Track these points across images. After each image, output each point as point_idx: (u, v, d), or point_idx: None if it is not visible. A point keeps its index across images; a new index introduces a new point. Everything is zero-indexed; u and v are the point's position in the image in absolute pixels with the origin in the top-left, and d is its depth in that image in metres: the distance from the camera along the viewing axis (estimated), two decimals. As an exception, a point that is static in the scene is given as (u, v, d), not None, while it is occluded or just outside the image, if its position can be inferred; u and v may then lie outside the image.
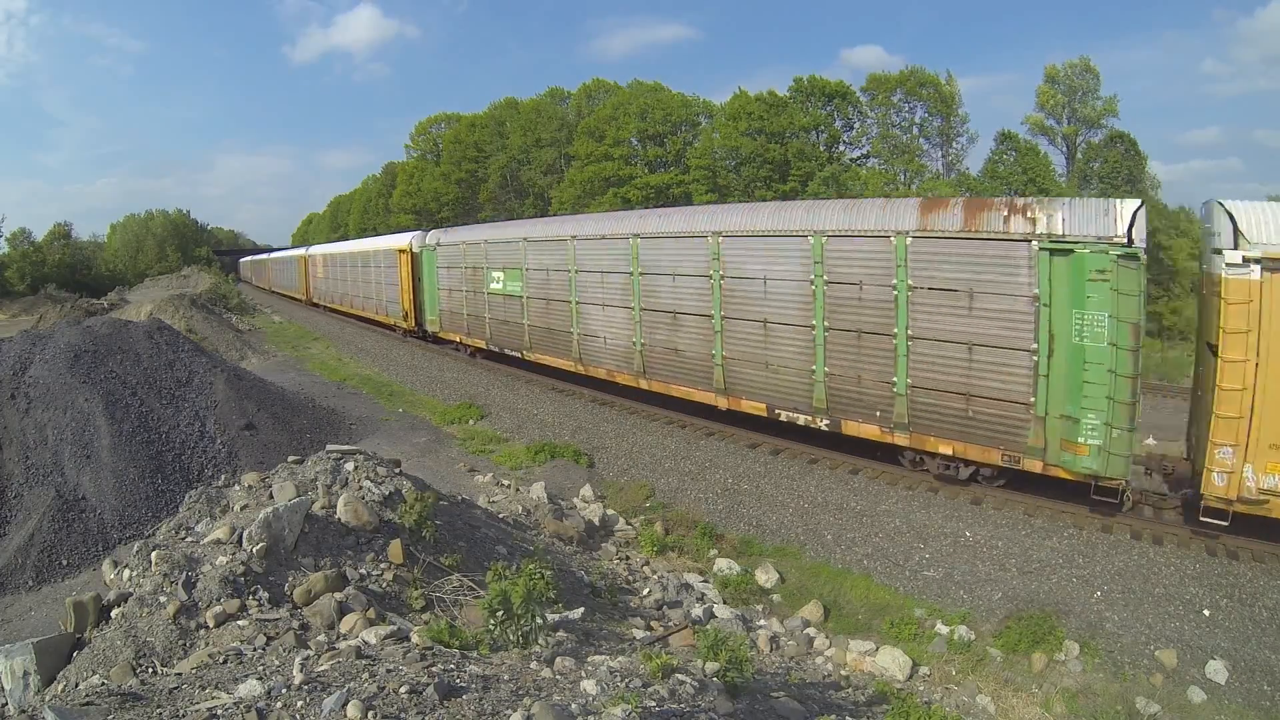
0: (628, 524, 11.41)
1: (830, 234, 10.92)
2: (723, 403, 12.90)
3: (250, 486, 7.96)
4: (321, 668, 4.47)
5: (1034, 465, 9.34)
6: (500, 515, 10.08)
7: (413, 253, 25.39)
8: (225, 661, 4.95)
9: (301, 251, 49.26)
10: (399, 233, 36.36)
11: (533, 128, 57.92)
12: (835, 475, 11.66)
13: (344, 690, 3.99)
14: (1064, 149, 44.13)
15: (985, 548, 9.33)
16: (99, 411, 12.85)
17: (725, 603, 9.10)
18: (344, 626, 5.67)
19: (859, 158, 47.31)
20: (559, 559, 8.97)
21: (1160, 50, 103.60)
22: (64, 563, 10.29)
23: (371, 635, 5.41)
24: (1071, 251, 8.63)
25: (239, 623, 5.63)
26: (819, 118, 46.15)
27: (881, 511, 10.48)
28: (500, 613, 5.40)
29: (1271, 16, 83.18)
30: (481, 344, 20.90)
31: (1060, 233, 8.73)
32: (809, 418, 11.53)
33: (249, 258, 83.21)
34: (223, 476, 10.66)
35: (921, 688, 7.52)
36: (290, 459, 8.75)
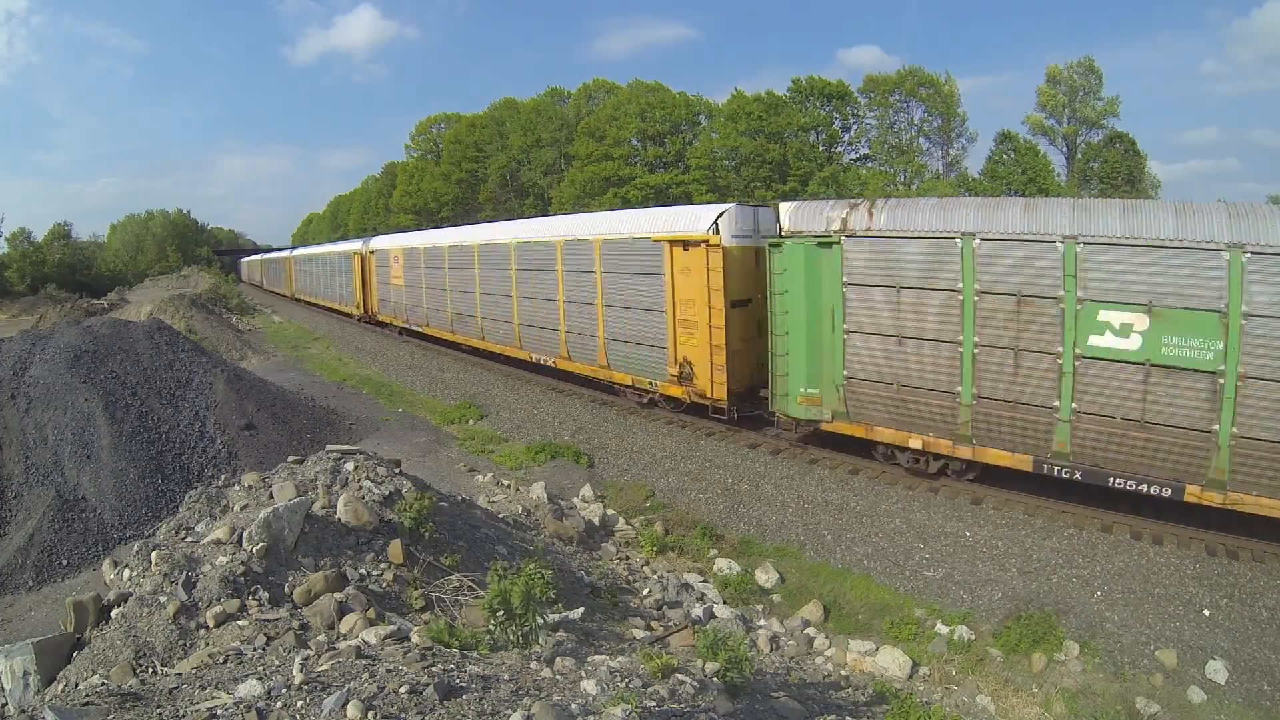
0: (628, 524, 11.41)
1: None
2: None
3: (250, 486, 7.96)
4: (321, 668, 4.47)
5: None
6: (500, 515, 10.08)
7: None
8: (225, 661, 4.95)
9: (355, 245, 33.45)
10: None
11: (532, 128, 58.01)
12: (835, 475, 11.66)
13: (344, 690, 3.99)
14: (1064, 149, 44.17)
15: (985, 548, 9.34)
16: (99, 411, 12.85)
17: (725, 603, 9.10)
18: (344, 626, 5.67)
19: (859, 158, 47.34)
20: (559, 559, 8.97)
21: (1157, 51, 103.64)
22: (64, 563, 10.29)
23: (371, 635, 5.41)
24: None
25: (239, 623, 5.63)
26: (818, 118, 46.19)
27: (881, 511, 10.48)
28: (500, 613, 5.39)
29: (1267, 17, 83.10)
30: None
31: None
32: None
33: (256, 257, 71.11)
34: (223, 476, 10.65)
35: (921, 688, 7.52)
36: (290, 459, 8.74)
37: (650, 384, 14.59)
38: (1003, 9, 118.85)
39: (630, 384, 15.13)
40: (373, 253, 30.20)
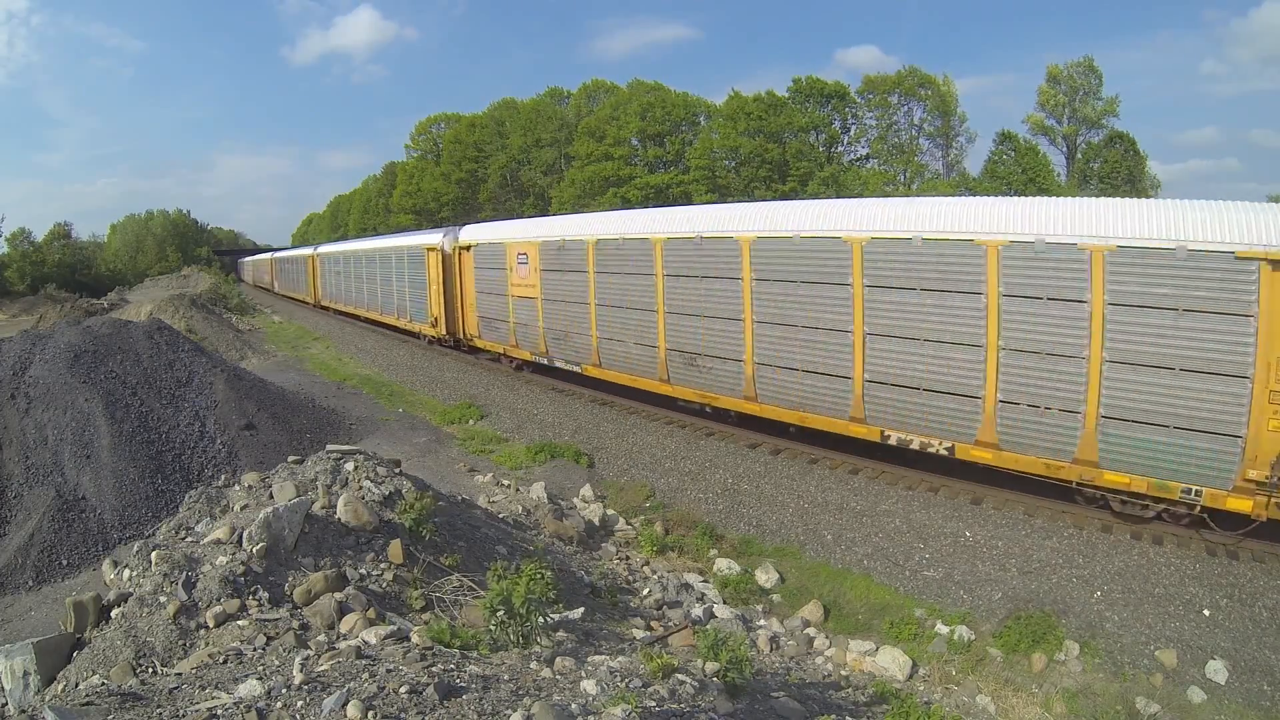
0: (628, 524, 11.41)
1: None
2: None
3: (250, 486, 7.97)
4: (321, 668, 4.47)
5: None
6: (500, 515, 10.08)
7: None
8: (225, 661, 4.95)
9: (431, 238, 23.32)
10: None
11: (532, 128, 58.07)
12: (835, 475, 11.66)
13: (344, 690, 3.99)
14: (1064, 149, 44.18)
15: (985, 548, 9.34)
16: (99, 411, 12.85)
17: (725, 603, 9.10)
18: (344, 626, 5.67)
19: (859, 158, 47.37)
20: (559, 559, 8.97)
21: (1156, 51, 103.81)
22: (64, 563, 10.29)
23: (371, 635, 5.41)
24: None
25: (239, 623, 5.63)
26: (817, 118, 46.22)
27: (881, 511, 10.48)
28: (500, 613, 5.40)
29: (1265, 17, 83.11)
30: None
31: None
32: None
33: (265, 255, 65.18)
34: (223, 476, 10.66)
35: (921, 688, 7.52)
36: (290, 459, 8.75)
37: (1187, 492, 8.60)
38: (1003, 9, 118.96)
39: (1144, 490, 8.90)
40: (468, 248, 20.60)
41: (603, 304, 15.52)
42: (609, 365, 15.70)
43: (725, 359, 12.81)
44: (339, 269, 35.67)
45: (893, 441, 10.80)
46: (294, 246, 70.87)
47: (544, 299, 17.36)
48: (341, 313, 35.69)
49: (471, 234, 21.08)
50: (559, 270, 16.73)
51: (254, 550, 6.31)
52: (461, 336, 21.93)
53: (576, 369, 16.71)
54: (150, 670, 5.30)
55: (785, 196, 40.94)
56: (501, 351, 19.96)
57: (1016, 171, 39.27)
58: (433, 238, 23.26)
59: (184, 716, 3.92)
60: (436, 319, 22.91)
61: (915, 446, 10.58)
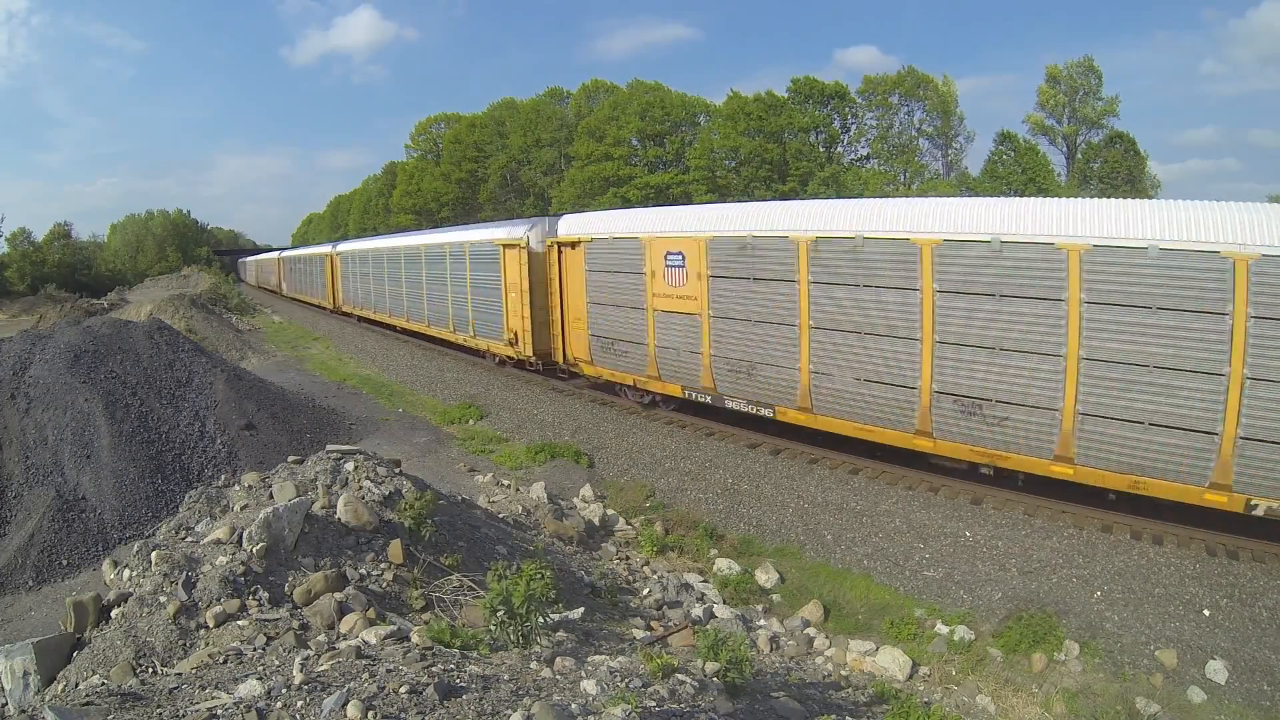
0: (628, 524, 11.42)
1: None
2: None
3: (250, 486, 7.97)
4: (321, 668, 4.47)
5: None
6: (500, 515, 10.09)
7: None
8: (225, 661, 4.95)
9: (514, 231, 18.47)
10: None
11: (532, 128, 58.15)
12: (835, 475, 11.66)
13: (344, 690, 3.99)
14: (1064, 149, 44.20)
15: (985, 548, 9.34)
16: (99, 411, 12.85)
17: (725, 603, 9.10)
18: (344, 626, 5.67)
19: (859, 159, 47.40)
20: (559, 559, 8.98)
21: (1156, 51, 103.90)
22: (64, 563, 10.29)
23: (371, 635, 5.41)
24: None
25: (239, 623, 5.63)
26: (817, 118, 46.25)
27: (881, 511, 10.48)
28: (500, 613, 5.40)
29: (1263, 17, 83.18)
30: None
31: None
32: None
33: (271, 254, 61.58)
34: (223, 476, 10.67)
35: (921, 688, 7.52)
36: (290, 459, 8.75)
37: None
38: (1003, 9, 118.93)
39: None
40: (574, 244, 16.11)
41: (821, 326, 11.46)
42: (825, 410, 11.71)
43: (1030, 406, 9.55)
44: (366, 270, 30.38)
45: (1260, 512, 8.31)
46: (298, 245, 70.25)
47: (712, 315, 13.06)
48: (371, 322, 30.85)
49: (581, 225, 16.25)
50: (742, 278, 12.48)
51: (254, 550, 6.31)
52: (562, 360, 17.13)
53: (767, 413, 12.59)
54: (150, 670, 5.30)
55: (785, 196, 40.93)
56: (631, 383, 15.29)
57: (1016, 171, 39.31)
58: (514, 231, 18.43)
59: (184, 716, 3.92)
60: (517, 335, 18.13)
61: None
